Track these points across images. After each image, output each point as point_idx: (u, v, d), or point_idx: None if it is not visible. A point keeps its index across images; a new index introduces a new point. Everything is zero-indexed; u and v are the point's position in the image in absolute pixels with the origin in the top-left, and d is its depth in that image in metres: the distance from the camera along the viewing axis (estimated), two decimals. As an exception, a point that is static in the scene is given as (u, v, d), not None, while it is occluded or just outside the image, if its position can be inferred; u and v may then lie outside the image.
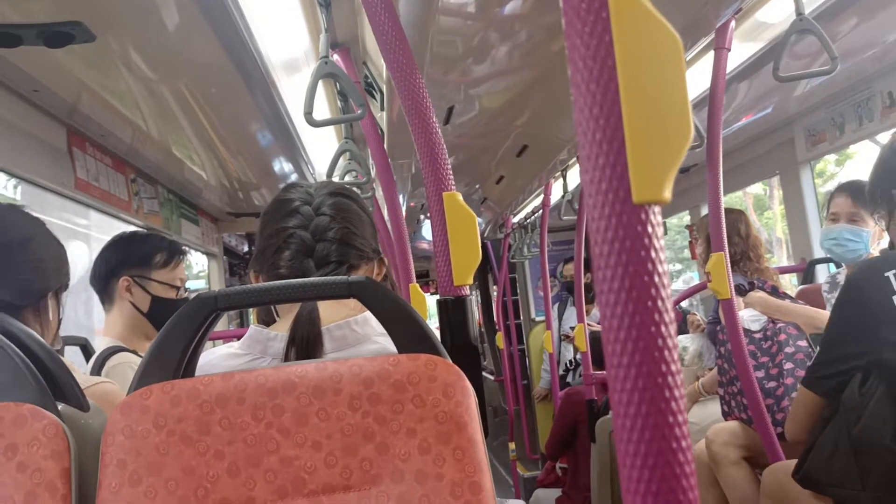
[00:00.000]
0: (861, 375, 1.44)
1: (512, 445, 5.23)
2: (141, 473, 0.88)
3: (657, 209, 0.46)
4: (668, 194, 0.46)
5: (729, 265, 2.00)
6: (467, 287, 1.08)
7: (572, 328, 3.74)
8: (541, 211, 3.86)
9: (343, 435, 0.91)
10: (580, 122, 0.47)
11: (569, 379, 4.60)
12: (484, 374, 7.10)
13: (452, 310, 1.07)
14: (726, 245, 2.00)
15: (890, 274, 1.43)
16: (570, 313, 4.86)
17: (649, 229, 0.46)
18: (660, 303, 0.45)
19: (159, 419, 0.90)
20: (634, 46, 0.46)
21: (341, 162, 2.53)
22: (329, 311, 1.12)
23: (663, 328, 0.45)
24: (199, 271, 5.24)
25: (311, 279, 1.00)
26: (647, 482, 0.45)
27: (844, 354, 1.49)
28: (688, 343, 3.03)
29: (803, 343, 2.26)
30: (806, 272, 3.19)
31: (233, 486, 0.89)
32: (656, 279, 0.45)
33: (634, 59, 0.46)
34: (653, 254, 0.45)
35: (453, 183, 1.10)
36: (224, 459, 0.90)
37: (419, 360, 0.94)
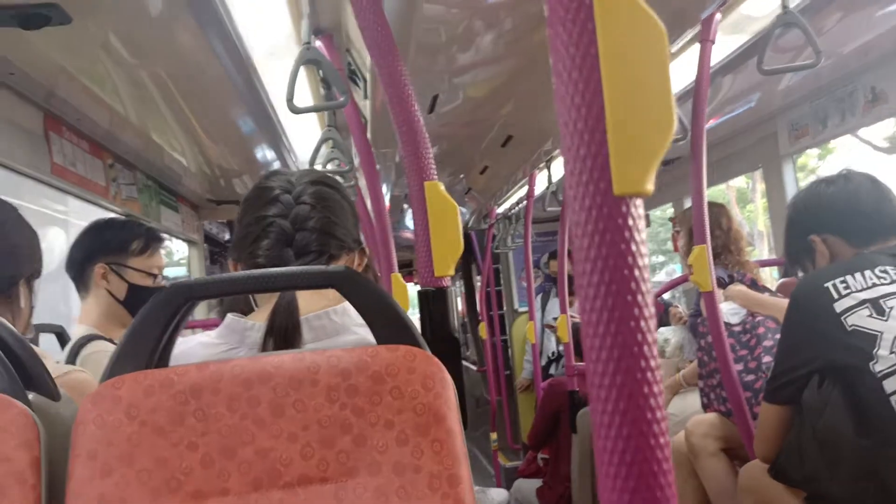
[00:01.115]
0: (818, 377, 1.51)
1: (494, 436, 5.25)
2: (112, 464, 0.87)
3: (639, 201, 0.45)
4: (650, 186, 0.45)
5: (711, 258, 2.01)
6: (448, 278, 1.07)
7: (555, 319, 3.74)
8: (525, 202, 3.85)
9: (320, 426, 0.90)
10: (562, 111, 0.46)
11: (551, 370, 4.62)
12: (467, 364, 7.10)
13: (433, 301, 1.06)
14: (709, 238, 2.00)
15: (829, 284, 1.54)
16: (554, 304, 4.87)
17: (630, 222, 0.45)
18: (640, 297, 0.44)
19: (132, 409, 0.89)
20: (618, 35, 0.45)
21: (324, 150, 2.51)
22: (308, 301, 1.11)
23: (643, 322, 0.44)
24: (180, 258, 5.20)
25: (290, 268, 0.99)
26: (625, 478, 0.44)
27: (798, 363, 1.56)
28: (669, 335, 3.04)
29: None
30: (786, 266, 3.20)
31: (206, 478, 0.88)
32: (636, 272, 0.44)
33: (618, 47, 0.45)
34: (633, 247, 0.44)
35: (435, 172, 1.08)
36: (198, 451, 0.88)
37: (398, 352, 0.93)
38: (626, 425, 0.44)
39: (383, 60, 1.08)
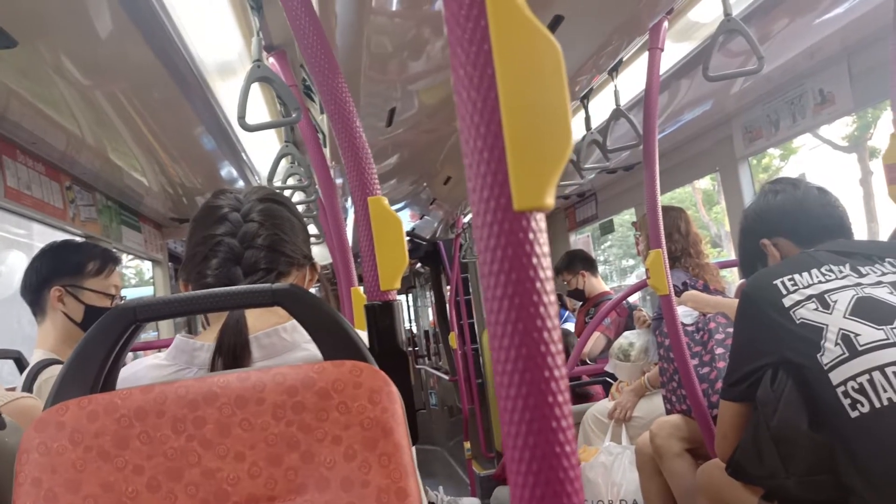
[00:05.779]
0: (771, 372, 1.53)
1: (467, 444, 5.25)
2: (57, 491, 0.86)
3: (540, 215, 0.47)
4: (549, 201, 0.46)
5: (667, 262, 2.03)
6: (394, 292, 1.08)
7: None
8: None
9: (267, 445, 0.90)
10: (462, 130, 0.47)
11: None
12: (438, 373, 7.10)
13: (379, 315, 1.07)
14: (664, 242, 2.03)
15: (777, 282, 1.58)
16: (522, 311, 4.88)
17: (531, 236, 0.46)
18: (542, 308, 0.45)
19: (76, 435, 0.88)
20: (513, 55, 0.46)
21: (284, 165, 2.51)
22: (257, 320, 1.11)
23: (546, 334, 0.45)
24: (149, 277, 5.14)
25: (234, 287, 0.99)
26: (532, 487, 0.45)
27: (751, 358, 1.58)
28: (634, 339, 3.06)
29: (732, 329, 2.33)
30: (742, 271, 3.25)
31: (153, 501, 0.87)
32: (538, 285, 0.45)
33: (514, 67, 0.46)
34: (535, 260, 0.46)
35: (379, 188, 1.09)
36: (144, 474, 0.88)
37: (344, 367, 0.93)
38: (532, 434, 0.45)
39: (322, 76, 1.08)
